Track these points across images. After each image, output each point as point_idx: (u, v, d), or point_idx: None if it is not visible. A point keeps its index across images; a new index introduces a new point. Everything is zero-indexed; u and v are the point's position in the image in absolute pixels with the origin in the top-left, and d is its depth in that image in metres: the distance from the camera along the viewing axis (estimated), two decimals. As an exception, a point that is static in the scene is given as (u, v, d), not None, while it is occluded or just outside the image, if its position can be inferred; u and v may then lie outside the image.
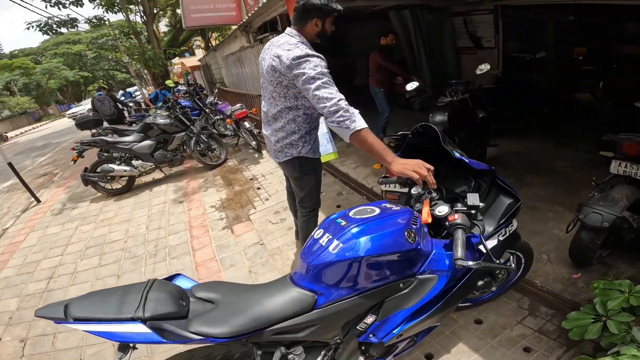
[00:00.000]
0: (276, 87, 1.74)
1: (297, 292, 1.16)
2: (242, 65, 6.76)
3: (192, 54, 24.69)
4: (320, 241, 1.16)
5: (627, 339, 1.31)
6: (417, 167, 1.34)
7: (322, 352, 1.30)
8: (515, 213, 1.46)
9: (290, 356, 1.22)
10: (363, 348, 1.32)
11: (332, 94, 1.51)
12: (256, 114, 5.89)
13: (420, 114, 4.46)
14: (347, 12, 2.25)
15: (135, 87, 18.24)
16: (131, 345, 1.08)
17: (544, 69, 4.78)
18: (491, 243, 1.41)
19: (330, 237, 1.15)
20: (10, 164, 5.16)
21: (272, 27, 4.89)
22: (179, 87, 8.43)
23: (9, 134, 21.09)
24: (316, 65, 1.56)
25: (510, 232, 1.49)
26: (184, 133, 4.92)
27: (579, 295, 1.77)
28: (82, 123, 6.65)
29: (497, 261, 1.21)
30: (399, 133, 2.18)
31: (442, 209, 1.23)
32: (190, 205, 4.09)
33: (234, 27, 7.56)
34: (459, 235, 1.12)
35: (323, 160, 3.23)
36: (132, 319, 1.00)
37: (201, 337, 1.05)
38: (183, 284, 1.29)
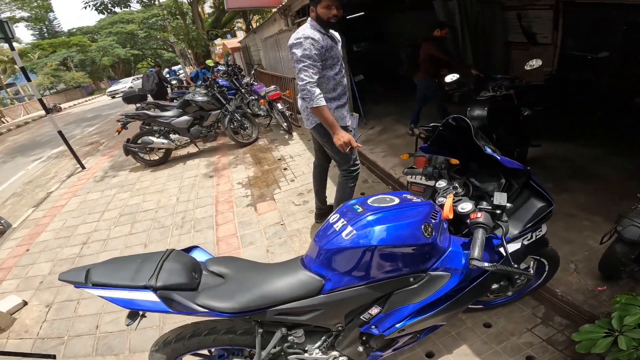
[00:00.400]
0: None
1: (306, 275, 1.15)
2: (279, 48, 6.79)
3: (234, 35, 25.16)
4: (335, 226, 1.14)
5: (634, 356, 1.21)
6: (341, 138, 1.98)
7: (323, 338, 1.30)
8: (545, 218, 1.37)
9: (290, 337, 1.23)
10: (364, 338, 1.31)
11: (305, 77, 1.92)
12: (289, 96, 5.92)
13: (460, 108, 4.26)
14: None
15: (179, 66, 19.02)
16: (140, 313, 1.12)
17: (605, 70, 4.34)
18: (514, 246, 1.33)
19: (345, 222, 1.13)
20: (60, 132, 5.61)
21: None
22: (219, 67, 8.69)
23: (63, 105, 22.81)
24: (305, 49, 1.92)
25: (538, 237, 1.40)
26: (219, 111, 5.09)
27: (599, 308, 1.67)
28: (128, 98, 7.13)
29: (516, 266, 1.15)
30: (431, 124, 2.10)
31: (466, 206, 1.18)
32: (219, 181, 4.23)
33: (274, 10, 7.56)
34: (479, 235, 1.08)
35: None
36: (145, 287, 1.04)
37: (206, 310, 1.06)
38: (199, 256, 1.32)
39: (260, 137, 5.60)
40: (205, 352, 1.42)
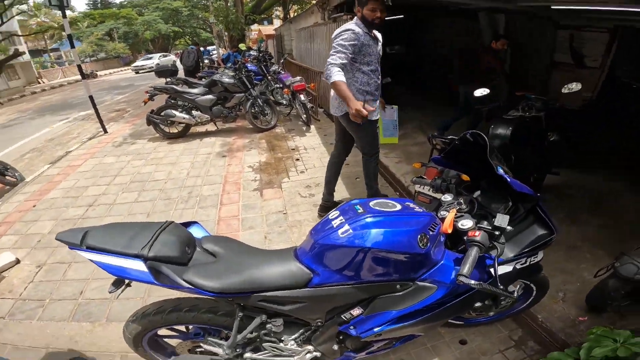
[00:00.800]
0: None
1: (295, 266, 1.14)
2: (312, 40, 6.77)
3: (270, 22, 25.39)
4: (333, 222, 1.14)
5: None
6: (353, 106, 2.06)
7: (300, 330, 1.30)
8: (544, 245, 1.34)
9: (268, 325, 1.23)
10: (340, 337, 1.30)
11: (331, 60, 2.13)
12: (314, 89, 5.90)
13: (487, 123, 4.11)
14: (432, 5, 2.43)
15: (214, 47, 19.34)
16: (126, 281, 1.13)
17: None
18: (506, 268, 1.30)
19: (343, 220, 1.12)
20: (90, 97, 5.83)
21: (349, 8, 4.76)
22: (250, 52, 8.78)
23: (100, 73, 23.72)
24: (343, 38, 2.14)
25: (532, 262, 1.37)
26: (243, 94, 5.16)
27: (574, 337, 1.66)
28: (160, 71, 7.34)
29: (502, 288, 1.12)
30: (448, 137, 2.08)
31: (466, 223, 1.17)
32: (231, 161, 4.27)
33: (313, 1, 7.53)
34: (472, 253, 1.07)
35: (385, 142, 4.24)
36: (136, 256, 1.04)
37: (191, 287, 1.06)
38: (196, 232, 1.32)
39: (278, 125, 5.62)
40: (182, 328, 1.42)
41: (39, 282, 2.44)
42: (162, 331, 1.40)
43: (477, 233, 1.10)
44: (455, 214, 1.22)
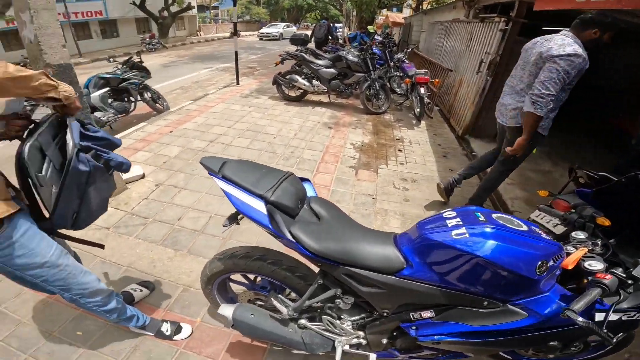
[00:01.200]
0: (532, 67, 2.14)
1: (393, 252, 1.12)
2: (447, 36, 6.37)
3: (400, 10, 24.52)
4: (448, 222, 1.09)
5: None
6: (523, 145, 2.18)
7: (362, 315, 1.30)
8: None
9: (338, 300, 1.25)
10: (394, 333, 1.27)
11: (552, 89, 1.97)
12: (436, 86, 5.61)
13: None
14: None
15: (341, 25, 19.85)
16: (238, 218, 1.23)
17: None
18: (613, 317, 1.12)
19: (460, 222, 1.07)
20: (235, 52, 6.68)
21: (503, 10, 4.25)
22: (376, 37, 8.75)
23: (242, 34, 26.65)
24: (572, 66, 1.93)
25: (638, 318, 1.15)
26: (363, 74, 5.22)
27: None
28: (294, 40, 7.90)
29: (606, 332, 0.96)
30: (600, 173, 1.80)
31: (595, 265, 1.06)
32: (335, 134, 4.44)
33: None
34: (593, 293, 0.95)
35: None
36: (260, 196, 1.11)
37: (292, 240, 1.11)
38: (308, 190, 1.36)
39: (388, 112, 5.55)
40: (251, 276, 1.52)
41: (151, 200, 2.73)
42: (235, 276, 1.49)
43: (607, 276, 0.99)
44: (585, 253, 1.11)
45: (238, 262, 1.34)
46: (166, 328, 1.67)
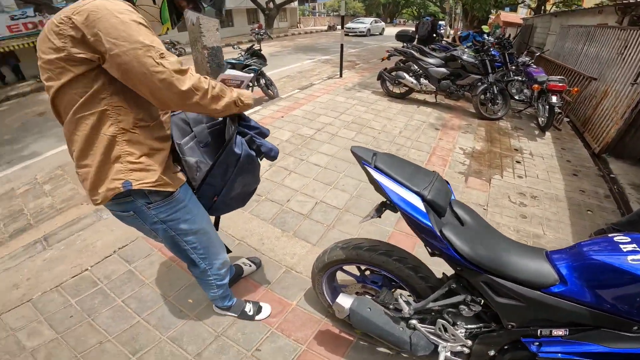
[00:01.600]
0: None
1: (544, 267, 1.06)
2: (588, 42, 5.51)
3: (513, 10, 22.00)
4: (622, 246, 1.01)
5: None
6: None
7: (480, 325, 1.25)
8: None
9: (462, 306, 1.22)
10: (507, 347, 1.20)
11: None
12: (574, 95, 4.94)
13: None
14: None
15: (443, 22, 18.75)
16: (383, 209, 1.26)
17: None
18: None
19: (637, 249, 0.98)
20: (341, 45, 6.77)
21: None
22: (489, 37, 7.99)
23: (337, 27, 27.26)
24: None
25: None
26: (479, 77, 4.83)
27: None
28: (400, 36, 7.73)
29: None
30: None
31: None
32: (443, 136, 4.21)
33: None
34: None
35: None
36: (417, 193, 1.14)
37: (445, 242, 1.10)
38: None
39: (504, 119, 5.04)
40: (363, 268, 1.52)
41: (265, 178, 2.80)
42: (347, 267, 1.50)
43: None
44: None
45: (362, 254, 1.36)
46: (249, 308, 1.71)
